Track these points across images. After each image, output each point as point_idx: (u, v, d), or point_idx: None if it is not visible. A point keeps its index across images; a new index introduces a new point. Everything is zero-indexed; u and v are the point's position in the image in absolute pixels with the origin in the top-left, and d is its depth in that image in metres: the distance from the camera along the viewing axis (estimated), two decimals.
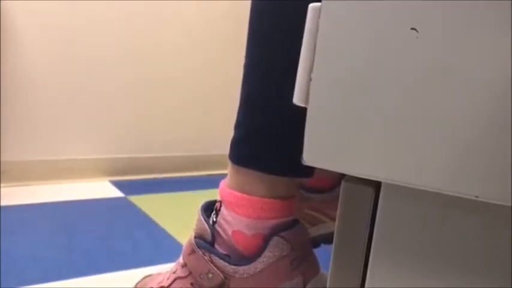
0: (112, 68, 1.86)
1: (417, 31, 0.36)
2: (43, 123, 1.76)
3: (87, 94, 1.82)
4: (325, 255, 0.54)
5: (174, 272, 0.70)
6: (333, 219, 0.54)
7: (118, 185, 1.82)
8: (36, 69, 1.72)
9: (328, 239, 0.78)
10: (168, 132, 2.03)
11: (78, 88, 1.80)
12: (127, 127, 1.94)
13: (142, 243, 1.33)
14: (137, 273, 0.81)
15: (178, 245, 0.71)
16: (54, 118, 1.77)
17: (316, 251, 0.72)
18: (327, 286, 0.47)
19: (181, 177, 2.01)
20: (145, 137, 1.98)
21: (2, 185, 1.65)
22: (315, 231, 0.83)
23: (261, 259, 0.63)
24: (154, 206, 1.62)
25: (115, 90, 1.88)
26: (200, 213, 0.67)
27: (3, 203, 1.50)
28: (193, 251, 0.66)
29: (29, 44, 1.70)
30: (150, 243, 1.33)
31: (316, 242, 0.83)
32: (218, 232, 0.66)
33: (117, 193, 1.75)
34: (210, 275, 0.65)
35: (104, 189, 1.78)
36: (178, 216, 1.46)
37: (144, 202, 1.65)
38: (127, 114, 1.93)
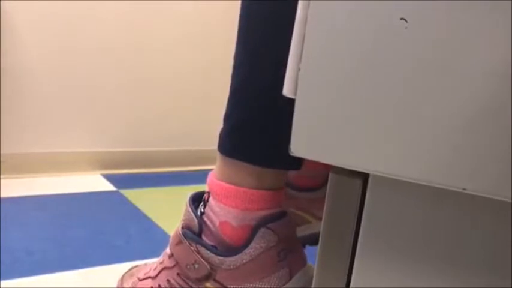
0: (108, 64, 1.87)
1: (406, 21, 0.36)
2: (38, 117, 1.76)
3: (82, 89, 1.83)
4: (314, 250, 0.54)
5: (161, 263, 0.70)
6: (320, 219, 0.54)
7: (110, 178, 1.82)
8: (34, 64, 1.73)
9: (313, 240, 0.78)
10: (160, 127, 2.03)
11: (74, 84, 1.81)
12: (120, 121, 1.94)
13: (134, 236, 1.33)
14: (129, 267, 0.81)
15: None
16: (49, 112, 1.78)
17: (306, 246, 0.72)
18: (313, 281, 0.47)
19: (173, 172, 2.01)
20: (138, 131, 1.99)
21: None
22: (300, 232, 0.82)
23: (247, 250, 0.63)
24: (146, 200, 1.62)
25: (109, 85, 1.89)
26: (188, 204, 0.67)
27: None
28: (180, 242, 0.66)
29: (28, 40, 1.71)
30: (142, 237, 1.33)
31: (302, 243, 0.82)
32: (205, 223, 0.66)
33: (109, 187, 1.75)
34: (197, 266, 0.65)
35: (96, 182, 1.78)
36: (170, 211, 1.45)
37: (136, 196, 1.65)
38: (121, 109, 1.93)
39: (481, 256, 0.40)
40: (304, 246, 0.81)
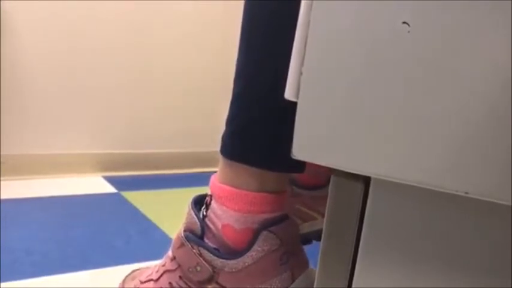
0: (108, 65, 1.87)
1: (409, 25, 0.36)
2: (39, 117, 1.76)
3: (83, 90, 1.83)
4: (315, 251, 0.54)
5: (163, 265, 0.70)
6: (324, 216, 0.55)
7: (111, 180, 1.82)
8: (35, 65, 1.73)
9: (319, 235, 0.78)
10: (161, 129, 2.03)
11: (75, 85, 1.81)
12: (121, 123, 1.94)
13: (135, 238, 1.33)
14: (129, 269, 0.81)
15: (171, 241, 0.71)
16: (50, 112, 1.78)
17: (306, 247, 0.72)
18: (315, 281, 0.47)
19: (174, 174, 2.01)
20: (139, 133, 1.99)
21: None
22: (306, 228, 0.83)
23: (250, 253, 0.63)
24: (147, 202, 1.62)
25: (110, 86, 1.89)
26: (190, 206, 0.67)
27: None
28: (182, 245, 0.66)
29: (28, 41, 1.71)
30: (143, 239, 1.33)
31: (308, 239, 0.83)
32: (208, 226, 0.66)
33: (110, 189, 1.74)
34: (199, 268, 0.65)
35: (97, 184, 1.78)
36: (171, 213, 1.45)
37: (137, 198, 1.65)
38: (122, 111, 1.93)
39: (482, 258, 0.40)
40: (310, 241, 0.82)
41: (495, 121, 0.34)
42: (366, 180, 0.43)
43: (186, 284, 0.67)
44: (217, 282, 0.65)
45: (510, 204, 0.35)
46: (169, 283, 0.68)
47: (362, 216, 0.44)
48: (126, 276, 0.78)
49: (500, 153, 0.34)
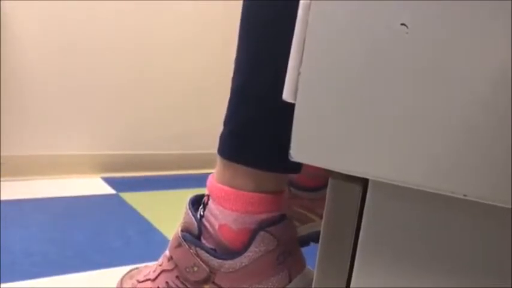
0: (108, 66, 1.87)
1: (407, 27, 0.35)
2: (39, 118, 1.76)
3: (83, 91, 1.84)
4: (313, 252, 0.54)
5: (160, 265, 0.70)
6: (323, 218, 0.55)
7: (110, 181, 1.82)
8: (34, 65, 1.74)
9: (318, 237, 0.78)
10: (161, 130, 2.03)
11: (75, 85, 1.81)
12: (120, 124, 1.94)
13: (133, 240, 1.33)
14: (128, 269, 0.81)
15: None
16: (50, 113, 1.78)
17: (304, 249, 0.71)
18: (314, 281, 0.47)
19: (173, 175, 2.01)
20: (138, 134, 1.99)
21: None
22: (304, 230, 0.83)
23: (247, 254, 0.63)
24: (146, 203, 1.62)
25: (110, 86, 1.89)
26: (188, 206, 0.68)
27: None
28: (179, 245, 0.66)
29: (28, 41, 1.71)
30: (141, 240, 1.33)
31: (306, 241, 0.82)
32: (205, 226, 0.66)
33: (108, 190, 1.74)
34: (196, 268, 0.65)
35: (95, 185, 1.78)
36: (170, 214, 1.45)
37: (136, 199, 1.65)
38: (121, 112, 1.93)
39: (481, 259, 0.40)
40: (308, 243, 0.82)
41: (495, 122, 0.34)
42: (364, 182, 0.43)
43: (183, 283, 0.67)
44: (214, 283, 0.65)
45: (510, 206, 0.35)
46: (166, 283, 0.68)
47: (360, 218, 0.43)
48: (124, 275, 0.78)
49: (500, 154, 0.34)
